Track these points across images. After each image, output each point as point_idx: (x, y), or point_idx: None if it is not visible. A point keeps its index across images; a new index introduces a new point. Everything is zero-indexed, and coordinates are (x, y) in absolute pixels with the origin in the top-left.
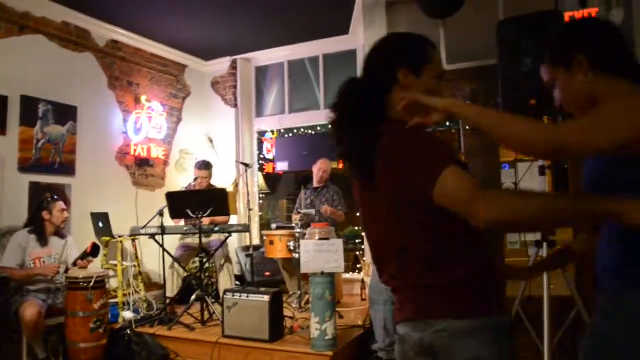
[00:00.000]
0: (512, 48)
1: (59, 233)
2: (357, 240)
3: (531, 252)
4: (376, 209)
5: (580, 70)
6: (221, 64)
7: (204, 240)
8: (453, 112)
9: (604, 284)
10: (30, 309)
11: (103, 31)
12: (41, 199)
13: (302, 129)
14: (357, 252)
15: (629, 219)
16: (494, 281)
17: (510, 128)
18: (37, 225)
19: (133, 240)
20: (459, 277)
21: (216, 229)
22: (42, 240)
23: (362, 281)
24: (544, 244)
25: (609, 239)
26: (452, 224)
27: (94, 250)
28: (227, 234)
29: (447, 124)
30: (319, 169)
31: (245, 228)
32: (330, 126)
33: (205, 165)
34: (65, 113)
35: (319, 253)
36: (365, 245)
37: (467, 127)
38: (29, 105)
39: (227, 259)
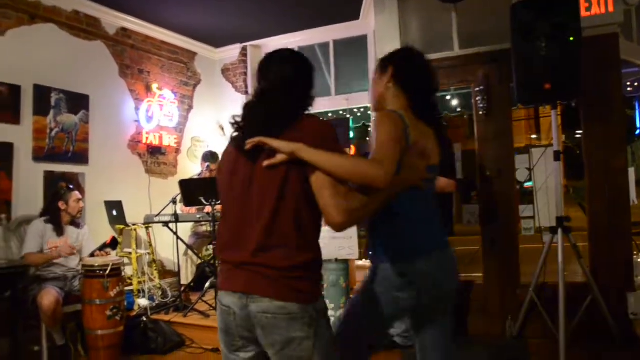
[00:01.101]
0: (527, 32)
1: (75, 223)
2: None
3: (545, 239)
4: None
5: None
6: (231, 51)
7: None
8: (298, 156)
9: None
10: (48, 297)
11: (113, 19)
12: (57, 189)
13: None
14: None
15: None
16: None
17: (352, 168)
18: (53, 215)
19: (147, 228)
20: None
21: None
22: (59, 230)
23: None
24: (560, 230)
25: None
26: None
27: (113, 244)
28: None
29: (459, 109)
30: None
31: None
32: None
33: (211, 157)
34: (77, 102)
35: (333, 240)
36: None
37: (480, 113)
38: (42, 94)
39: None
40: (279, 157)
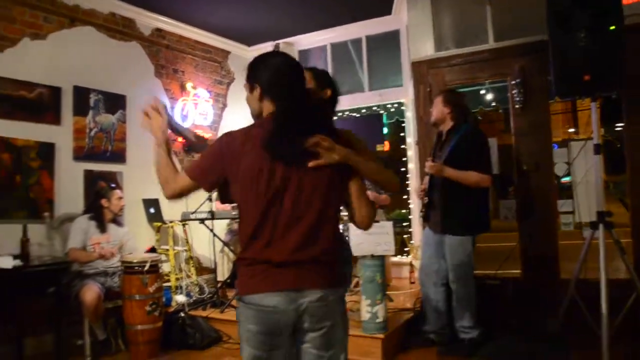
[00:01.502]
0: (564, 22)
1: (117, 221)
2: (404, 223)
3: (586, 235)
4: None
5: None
6: (264, 49)
7: None
8: (349, 161)
9: None
10: (90, 293)
11: (148, 20)
12: (99, 187)
13: (346, 112)
14: (405, 236)
15: None
16: None
17: (388, 176)
18: (96, 212)
19: (184, 225)
20: None
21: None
22: (102, 227)
23: (411, 264)
24: (601, 225)
25: None
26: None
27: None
28: None
29: (493, 104)
30: None
31: None
32: None
33: None
34: (115, 102)
35: (369, 236)
36: (414, 229)
37: (516, 106)
38: (81, 95)
39: None
40: (327, 159)
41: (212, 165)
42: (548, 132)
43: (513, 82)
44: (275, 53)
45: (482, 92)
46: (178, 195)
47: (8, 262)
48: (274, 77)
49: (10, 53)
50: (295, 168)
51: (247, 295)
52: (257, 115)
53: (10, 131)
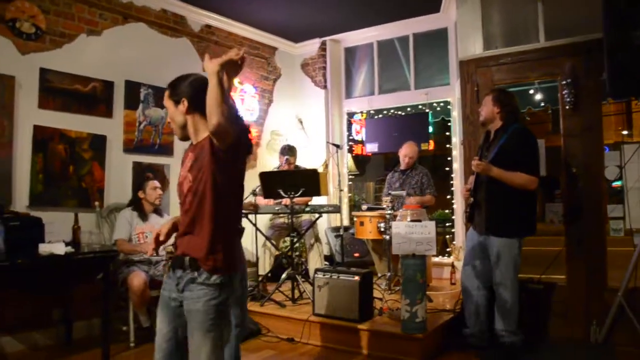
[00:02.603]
0: (620, 20)
1: (158, 210)
2: (447, 224)
3: (637, 242)
4: None
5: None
6: (311, 46)
7: (294, 220)
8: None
9: None
10: (137, 279)
11: (198, 17)
12: (142, 179)
13: (392, 110)
14: (447, 236)
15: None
16: None
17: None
18: (137, 204)
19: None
20: None
21: (307, 209)
22: (144, 217)
23: (452, 265)
24: None
25: None
26: None
27: None
28: (318, 215)
29: (542, 104)
30: (404, 155)
31: (336, 209)
32: None
33: (289, 151)
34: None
35: (411, 235)
36: (456, 229)
37: (566, 107)
38: (132, 89)
39: (317, 239)
40: None
41: None
42: (599, 134)
43: (564, 82)
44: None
45: (531, 92)
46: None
47: (61, 249)
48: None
49: (67, 49)
50: None
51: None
52: None
53: (65, 123)
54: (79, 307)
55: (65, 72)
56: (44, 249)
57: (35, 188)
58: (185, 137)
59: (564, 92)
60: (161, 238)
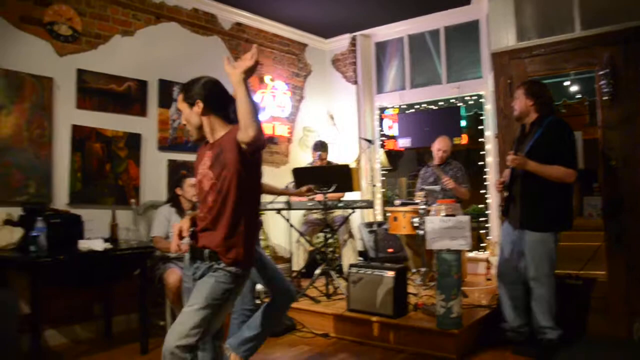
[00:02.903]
0: None
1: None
2: (481, 219)
3: None
4: None
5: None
6: (341, 42)
7: (328, 216)
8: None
9: None
10: (173, 276)
11: (228, 15)
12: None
13: (423, 105)
14: (482, 231)
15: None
16: None
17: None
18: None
19: (261, 215)
20: None
21: (340, 204)
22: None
23: (487, 261)
24: None
25: None
26: None
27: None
28: (351, 210)
29: (578, 96)
30: (438, 149)
31: (369, 204)
32: None
33: (322, 146)
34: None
35: (446, 230)
36: (491, 224)
37: (604, 98)
38: (165, 88)
39: (351, 235)
40: None
41: None
42: (639, 126)
43: (601, 72)
44: None
45: (566, 83)
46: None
47: (99, 245)
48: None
49: (102, 49)
50: None
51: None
52: None
53: (101, 122)
54: (118, 302)
55: (100, 72)
56: (83, 245)
57: (74, 186)
58: (201, 138)
59: (601, 83)
60: (184, 234)
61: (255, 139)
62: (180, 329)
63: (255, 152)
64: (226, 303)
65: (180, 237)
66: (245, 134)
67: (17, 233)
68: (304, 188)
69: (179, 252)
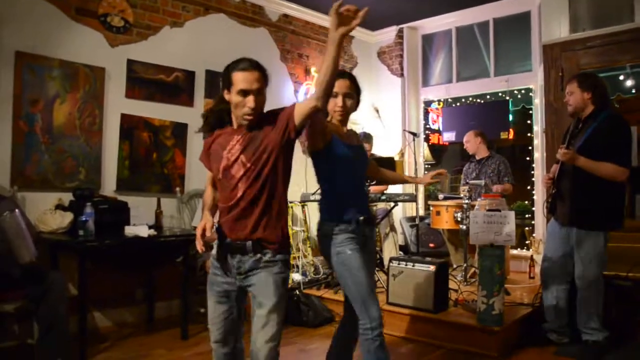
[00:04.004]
0: None
1: None
2: (526, 215)
3: None
4: None
5: None
6: (387, 34)
7: (370, 209)
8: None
9: None
10: None
11: (275, 6)
12: None
13: (470, 98)
14: (526, 228)
15: None
16: None
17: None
18: None
19: (303, 206)
20: None
21: (383, 197)
22: None
23: (531, 258)
24: None
25: None
26: None
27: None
28: (393, 203)
29: (634, 90)
30: (466, 141)
31: (412, 198)
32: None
33: (365, 138)
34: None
35: (490, 225)
36: (536, 221)
37: None
38: (212, 79)
39: (392, 229)
40: None
41: None
42: None
43: None
44: None
45: (621, 77)
46: None
47: (144, 231)
48: None
49: (152, 40)
50: None
51: None
52: None
53: (149, 112)
54: (161, 288)
55: (150, 62)
56: (129, 231)
57: (122, 173)
58: (217, 124)
59: None
60: (208, 233)
61: (325, 104)
62: (269, 331)
63: (302, 126)
64: (286, 290)
65: (204, 235)
66: (322, 97)
67: (67, 217)
68: (432, 173)
69: (204, 251)
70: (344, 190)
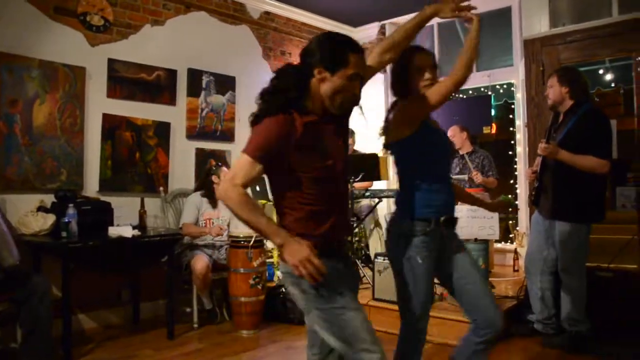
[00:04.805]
0: None
1: None
2: (509, 209)
3: None
4: None
5: None
6: (370, 30)
7: (354, 205)
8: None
9: None
10: (200, 263)
11: (257, 4)
12: (209, 166)
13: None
14: (510, 222)
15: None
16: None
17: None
18: (208, 189)
19: None
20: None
21: (367, 194)
22: (213, 203)
23: (515, 252)
24: None
25: None
26: None
27: None
28: (377, 200)
29: (613, 84)
30: (451, 136)
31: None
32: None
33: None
34: (225, 83)
35: (473, 219)
36: (520, 215)
37: None
38: (194, 77)
39: (377, 225)
40: None
41: None
42: None
43: (639, 58)
44: None
45: (601, 71)
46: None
47: (128, 231)
48: None
49: (133, 39)
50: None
51: None
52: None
53: (131, 111)
54: (146, 288)
55: (131, 61)
56: (112, 231)
57: (105, 174)
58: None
59: (639, 69)
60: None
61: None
62: None
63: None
64: None
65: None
66: (463, 76)
67: (49, 219)
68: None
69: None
70: (425, 184)
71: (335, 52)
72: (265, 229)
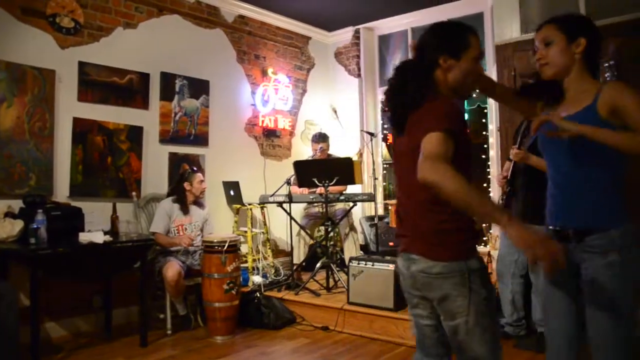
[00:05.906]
0: None
1: (198, 202)
2: None
3: None
4: (405, 159)
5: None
6: (344, 35)
7: (329, 209)
8: (583, 135)
9: None
10: (171, 270)
11: (231, 7)
12: (182, 171)
13: None
14: (484, 225)
15: (509, 235)
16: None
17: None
18: (180, 195)
19: (262, 208)
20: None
21: (342, 198)
22: (185, 209)
23: (489, 254)
24: None
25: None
26: None
27: None
28: (352, 203)
29: None
30: None
31: (371, 198)
32: (385, 95)
33: (321, 138)
34: (198, 87)
35: None
36: None
37: None
38: (167, 81)
39: (352, 228)
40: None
41: None
42: None
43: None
44: None
45: None
46: None
47: (100, 237)
48: None
49: (105, 42)
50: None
51: None
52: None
53: (103, 115)
54: (118, 295)
55: (102, 65)
56: (83, 237)
57: (75, 179)
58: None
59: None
60: None
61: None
62: None
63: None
64: None
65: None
66: None
67: (17, 225)
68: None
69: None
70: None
71: (456, 38)
72: (491, 207)
